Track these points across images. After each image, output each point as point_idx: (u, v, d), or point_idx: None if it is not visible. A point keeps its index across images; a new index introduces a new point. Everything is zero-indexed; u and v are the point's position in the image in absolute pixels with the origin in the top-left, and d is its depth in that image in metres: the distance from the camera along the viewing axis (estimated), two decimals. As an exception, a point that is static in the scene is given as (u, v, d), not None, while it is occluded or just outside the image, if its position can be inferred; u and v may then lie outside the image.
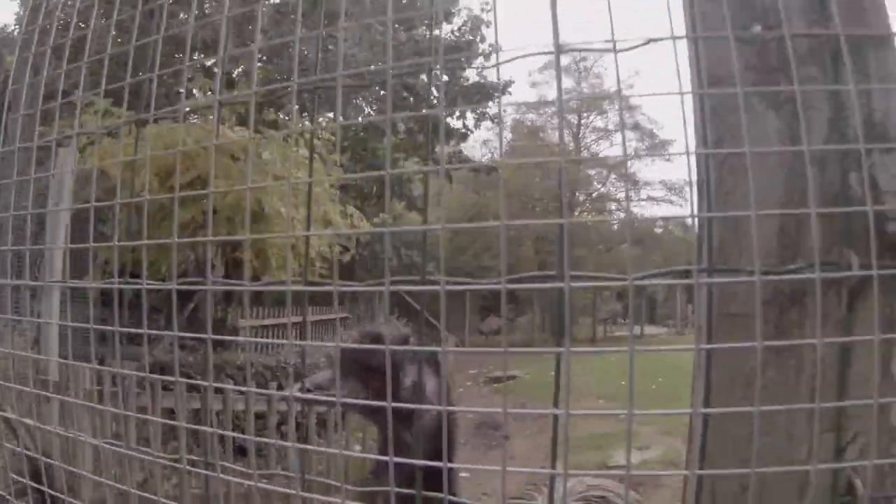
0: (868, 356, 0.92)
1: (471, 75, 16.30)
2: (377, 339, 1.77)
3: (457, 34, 14.80)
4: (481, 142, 27.27)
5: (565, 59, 26.77)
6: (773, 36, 1.05)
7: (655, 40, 0.99)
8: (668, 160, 28.84)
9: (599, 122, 29.65)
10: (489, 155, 27.24)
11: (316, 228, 9.11)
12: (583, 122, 28.99)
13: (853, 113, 0.99)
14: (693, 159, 1.15)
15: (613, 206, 30.16)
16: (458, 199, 25.40)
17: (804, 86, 0.98)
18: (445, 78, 14.86)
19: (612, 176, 28.93)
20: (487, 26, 15.20)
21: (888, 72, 1.07)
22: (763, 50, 1.11)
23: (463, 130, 16.56)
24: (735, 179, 1.07)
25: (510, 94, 18.19)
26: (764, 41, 1.11)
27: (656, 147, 28.93)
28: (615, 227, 28.95)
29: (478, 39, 15.22)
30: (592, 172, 29.28)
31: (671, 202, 29.35)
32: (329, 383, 1.70)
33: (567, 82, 28.64)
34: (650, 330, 31.22)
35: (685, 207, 29.76)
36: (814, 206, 0.90)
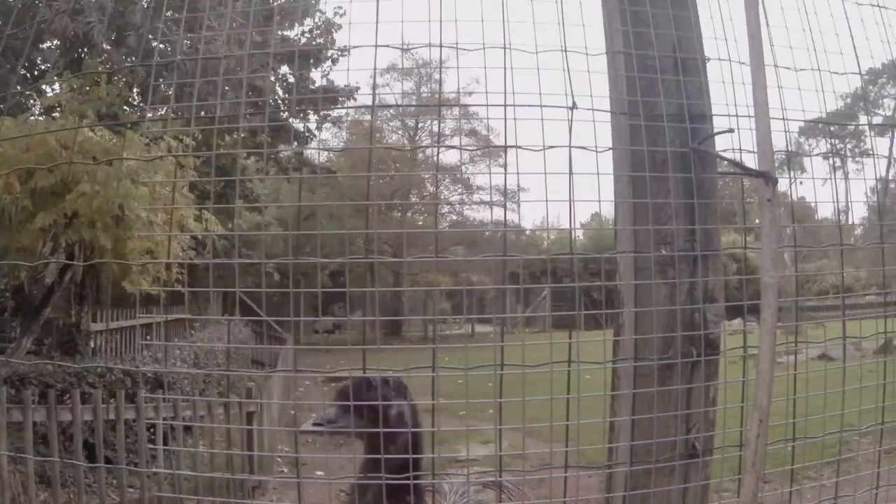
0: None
1: (318, 78, 16.31)
2: (369, 383, 2.43)
3: (308, 36, 14.75)
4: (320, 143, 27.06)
5: (407, 62, 27.22)
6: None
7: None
8: (503, 166, 29.57)
9: (435, 127, 30.31)
10: (326, 156, 27.16)
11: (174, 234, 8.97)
12: (420, 125, 29.61)
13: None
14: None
15: (446, 208, 30.96)
16: (295, 198, 25.11)
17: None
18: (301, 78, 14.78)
19: (446, 179, 29.75)
20: (338, 30, 15.28)
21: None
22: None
23: (306, 134, 16.49)
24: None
25: (355, 99, 18.35)
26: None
27: (493, 152, 29.97)
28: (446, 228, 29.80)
29: (328, 43, 15.22)
30: (427, 175, 29.96)
31: (503, 205, 30.36)
32: (336, 416, 2.35)
33: (407, 85, 29.16)
34: (481, 328, 32.38)
35: (516, 212, 31.26)
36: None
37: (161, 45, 9.71)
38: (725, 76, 1.91)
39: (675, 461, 1.80)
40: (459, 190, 29.79)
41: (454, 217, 30.70)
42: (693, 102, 1.90)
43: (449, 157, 30.77)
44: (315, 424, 2.41)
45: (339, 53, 15.41)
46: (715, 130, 1.89)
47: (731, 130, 1.86)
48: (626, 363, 1.98)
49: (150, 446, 6.90)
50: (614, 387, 2.06)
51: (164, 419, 7.21)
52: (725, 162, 1.98)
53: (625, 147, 1.87)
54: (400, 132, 29.61)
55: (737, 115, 1.87)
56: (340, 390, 2.45)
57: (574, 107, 1.72)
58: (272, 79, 14.16)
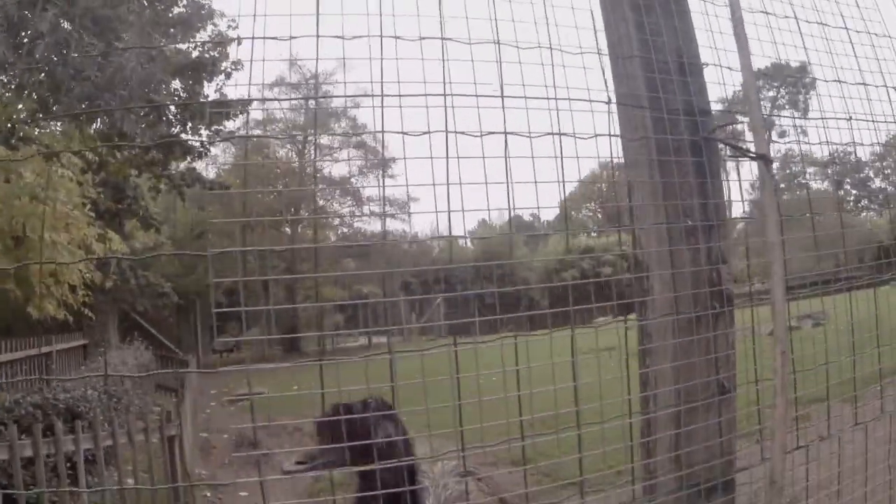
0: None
1: (211, 92, 16.04)
2: (350, 409, 2.33)
3: (201, 50, 14.49)
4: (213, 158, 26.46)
5: (294, 76, 26.99)
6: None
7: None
8: (392, 177, 29.72)
9: (324, 140, 30.25)
10: (217, 171, 26.62)
11: (75, 254, 8.65)
12: (308, 139, 29.44)
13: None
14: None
15: (336, 221, 30.91)
16: (187, 216, 24.63)
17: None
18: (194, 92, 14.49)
19: (337, 192, 29.72)
20: (231, 44, 15.08)
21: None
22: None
23: (200, 149, 16.18)
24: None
25: (248, 112, 18.12)
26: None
27: (381, 164, 30.18)
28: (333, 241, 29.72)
29: (221, 56, 14.99)
30: (313, 189, 29.83)
31: (394, 216, 30.53)
32: (319, 454, 2.31)
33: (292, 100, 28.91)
34: (377, 339, 32.40)
35: (406, 222, 31.63)
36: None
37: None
38: (717, 78, 2.28)
39: (713, 398, 2.14)
40: (349, 203, 29.82)
41: (345, 230, 30.69)
42: (697, 99, 2.25)
43: (338, 170, 30.70)
44: (298, 463, 2.34)
45: (233, 67, 15.23)
46: (718, 123, 2.26)
47: (735, 122, 2.24)
48: (657, 319, 2.26)
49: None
50: (644, 342, 2.33)
51: (86, 451, 6.98)
52: (728, 148, 2.34)
53: (647, 136, 2.18)
54: (288, 146, 29.38)
55: (729, 111, 2.26)
56: (320, 422, 2.37)
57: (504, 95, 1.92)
58: (164, 92, 13.93)
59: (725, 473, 2.26)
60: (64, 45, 9.45)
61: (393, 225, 31.30)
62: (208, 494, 10.21)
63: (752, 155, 2.16)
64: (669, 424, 2.18)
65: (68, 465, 6.78)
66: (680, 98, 2.24)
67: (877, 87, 2.64)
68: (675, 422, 2.17)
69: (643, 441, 2.24)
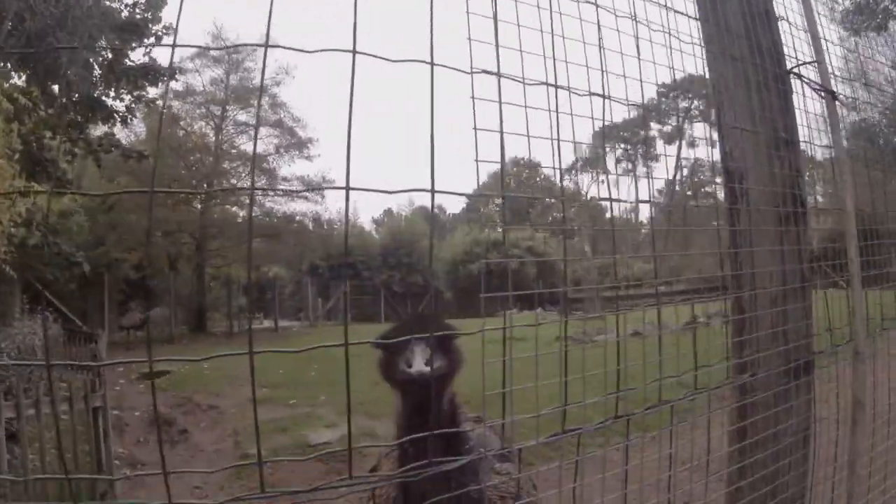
0: None
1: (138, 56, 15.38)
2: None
3: (132, 10, 13.87)
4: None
5: (214, 51, 26.25)
6: None
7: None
8: (308, 158, 29.33)
9: (242, 117, 29.49)
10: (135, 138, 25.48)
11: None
12: (227, 114, 28.59)
13: None
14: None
15: (248, 199, 30.06)
16: (99, 186, 23.50)
17: None
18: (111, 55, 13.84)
19: (253, 169, 28.96)
20: (164, 6, 14.48)
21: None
22: None
23: (124, 113, 15.48)
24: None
25: (177, 79, 17.59)
26: None
27: (298, 144, 29.69)
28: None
29: (151, 18, 14.40)
30: (227, 166, 29.05)
31: (306, 198, 30.15)
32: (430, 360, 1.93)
33: (216, 72, 28.09)
34: (284, 323, 31.98)
35: (320, 203, 31.19)
36: None
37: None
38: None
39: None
40: (264, 181, 29.11)
41: (257, 209, 29.95)
42: (777, 41, 2.59)
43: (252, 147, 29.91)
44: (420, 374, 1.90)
45: (164, 31, 14.65)
46: (800, 61, 2.49)
47: (816, 61, 2.45)
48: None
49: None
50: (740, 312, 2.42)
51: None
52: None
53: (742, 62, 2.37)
54: (206, 120, 28.44)
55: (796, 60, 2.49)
56: (400, 325, 2.11)
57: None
58: (98, 47, 13.24)
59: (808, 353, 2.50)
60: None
61: (305, 206, 30.76)
62: (127, 472, 9.86)
63: (828, 91, 2.39)
64: (768, 305, 2.37)
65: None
66: (764, 38, 2.49)
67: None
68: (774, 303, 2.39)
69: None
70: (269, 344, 22.82)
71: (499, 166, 1.79)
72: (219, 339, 23.96)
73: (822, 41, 2.63)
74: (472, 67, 1.49)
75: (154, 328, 25.85)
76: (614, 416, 1.82)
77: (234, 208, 30.26)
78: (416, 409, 1.96)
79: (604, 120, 1.85)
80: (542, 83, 1.68)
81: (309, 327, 31.55)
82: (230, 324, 27.92)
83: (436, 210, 72.69)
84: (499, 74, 1.50)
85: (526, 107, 1.65)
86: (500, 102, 1.56)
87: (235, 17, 56.46)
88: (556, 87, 1.69)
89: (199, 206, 27.62)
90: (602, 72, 1.81)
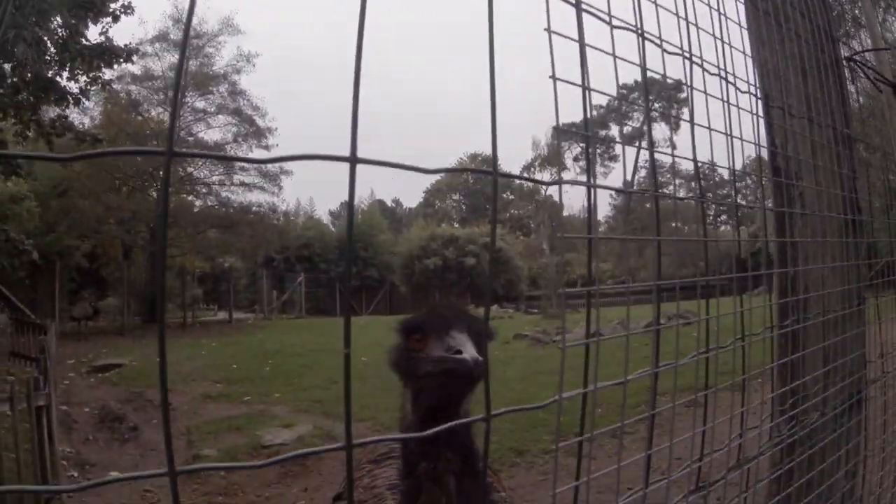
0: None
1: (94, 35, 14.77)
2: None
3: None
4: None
5: (177, 34, 25.63)
6: None
7: None
8: (266, 148, 28.84)
9: (200, 104, 28.88)
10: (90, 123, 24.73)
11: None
12: (185, 101, 27.90)
13: None
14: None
15: (204, 189, 29.63)
16: (51, 171, 22.80)
17: None
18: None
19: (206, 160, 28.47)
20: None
21: None
22: None
23: (77, 95, 14.86)
24: None
25: (133, 62, 16.97)
26: None
27: (257, 133, 29.20)
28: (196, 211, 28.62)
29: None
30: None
31: (264, 188, 29.74)
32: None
33: (175, 57, 27.37)
34: (238, 315, 31.52)
35: (277, 195, 30.70)
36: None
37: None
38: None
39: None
40: (220, 171, 28.59)
41: (213, 199, 29.44)
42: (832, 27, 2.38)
43: (212, 135, 29.28)
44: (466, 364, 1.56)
45: (122, 11, 14.10)
46: (866, 48, 2.33)
47: (888, 48, 2.29)
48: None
49: None
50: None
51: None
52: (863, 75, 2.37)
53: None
54: (164, 106, 27.73)
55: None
56: (432, 306, 1.80)
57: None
58: (51, 25, 12.63)
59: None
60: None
61: (262, 197, 30.26)
62: (75, 474, 9.53)
63: (886, 81, 2.23)
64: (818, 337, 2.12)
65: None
66: (821, 19, 2.27)
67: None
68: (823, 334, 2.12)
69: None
70: (224, 336, 22.49)
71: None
72: (173, 331, 23.37)
73: (878, 28, 2.42)
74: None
75: (106, 318, 25.18)
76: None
77: (190, 197, 29.72)
78: (436, 410, 1.63)
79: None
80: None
81: (263, 320, 31.12)
82: (184, 315, 27.30)
83: (392, 203, 72.58)
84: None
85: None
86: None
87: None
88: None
89: (155, 195, 26.97)
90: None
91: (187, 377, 15.21)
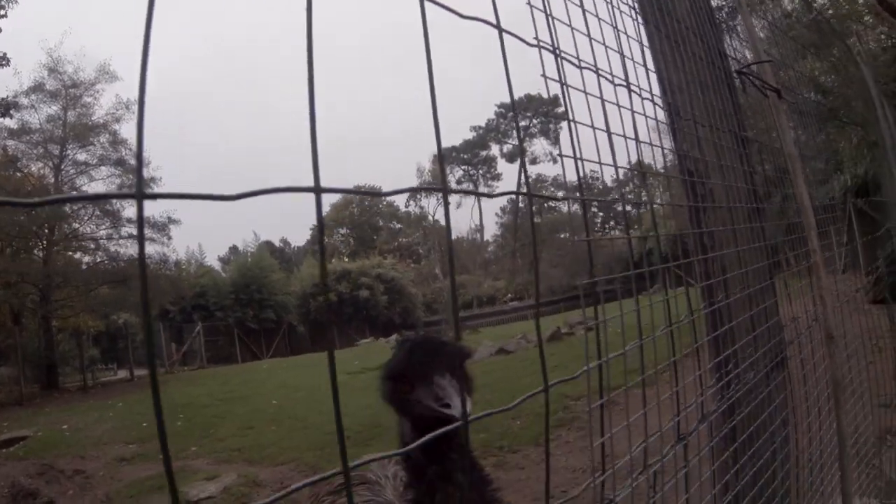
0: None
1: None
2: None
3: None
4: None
5: (53, 84, 24.85)
6: None
7: None
8: (153, 199, 27.72)
9: (81, 156, 27.85)
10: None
11: None
12: (66, 154, 26.91)
13: None
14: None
15: (92, 245, 28.61)
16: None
17: None
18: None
19: (96, 211, 27.44)
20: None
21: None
22: None
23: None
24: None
25: (11, 116, 16.40)
26: None
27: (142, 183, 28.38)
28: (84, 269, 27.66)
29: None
30: (69, 209, 27.39)
31: (153, 239, 28.83)
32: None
33: (53, 108, 26.48)
34: (140, 371, 30.49)
35: (167, 245, 29.84)
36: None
37: None
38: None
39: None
40: (107, 224, 27.74)
41: (102, 254, 28.45)
42: (720, 46, 2.88)
43: (96, 188, 28.10)
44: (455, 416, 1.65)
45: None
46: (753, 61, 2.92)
47: (770, 60, 2.87)
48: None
49: None
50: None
51: None
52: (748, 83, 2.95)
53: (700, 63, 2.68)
54: (44, 160, 26.70)
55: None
56: (411, 346, 1.85)
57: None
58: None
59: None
60: None
61: (152, 248, 29.34)
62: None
63: (771, 88, 2.79)
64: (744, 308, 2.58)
65: None
66: (713, 38, 2.77)
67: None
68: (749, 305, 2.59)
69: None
70: (128, 394, 21.73)
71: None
72: (73, 395, 22.44)
73: (759, 44, 2.99)
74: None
75: (2, 390, 23.88)
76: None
77: (78, 254, 28.65)
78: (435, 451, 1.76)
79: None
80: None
81: (165, 374, 30.22)
82: (84, 377, 26.20)
83: (280, 243, 71.47)
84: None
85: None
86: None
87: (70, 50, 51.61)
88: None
89: (41, 255, 25.89)
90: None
91: (98, 441, 14.64)
